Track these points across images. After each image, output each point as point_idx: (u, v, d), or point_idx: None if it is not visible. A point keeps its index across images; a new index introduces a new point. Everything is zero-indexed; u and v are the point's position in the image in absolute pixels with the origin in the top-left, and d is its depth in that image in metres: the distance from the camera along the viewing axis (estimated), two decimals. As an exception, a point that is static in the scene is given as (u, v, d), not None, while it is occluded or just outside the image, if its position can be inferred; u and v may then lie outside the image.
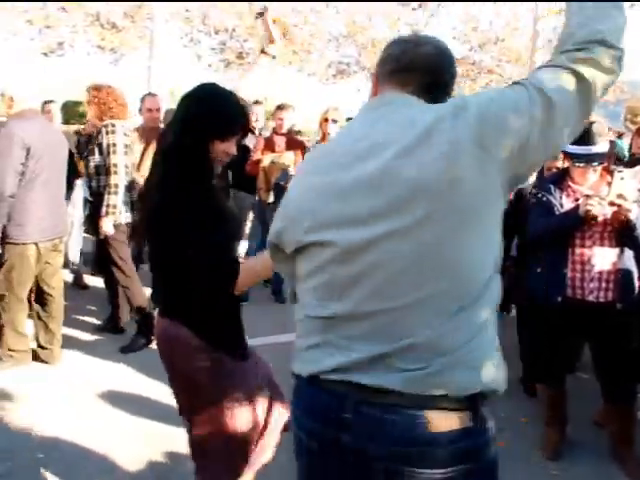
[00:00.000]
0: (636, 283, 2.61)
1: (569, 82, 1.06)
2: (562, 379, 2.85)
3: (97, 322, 4.42)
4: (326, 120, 4.66)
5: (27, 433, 2.85)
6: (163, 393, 3.30)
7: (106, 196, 3.71)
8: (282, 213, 1.26)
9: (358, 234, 1.09)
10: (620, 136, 7.81)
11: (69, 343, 3.98)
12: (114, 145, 3.72)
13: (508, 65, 18.90)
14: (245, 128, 1.76)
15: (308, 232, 1.17)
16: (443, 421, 1.06)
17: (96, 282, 5.38)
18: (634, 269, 2.61)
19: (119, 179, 3.73)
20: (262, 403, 1.83)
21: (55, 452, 2.69)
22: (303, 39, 15.97)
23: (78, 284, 5.26)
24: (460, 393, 1.07)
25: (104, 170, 3.75)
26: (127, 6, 13.86)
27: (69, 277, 5.26)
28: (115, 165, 3.72)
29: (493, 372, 1.10)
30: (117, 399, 3.23)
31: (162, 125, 4.79)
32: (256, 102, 5.11)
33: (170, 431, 2.89)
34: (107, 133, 3.73)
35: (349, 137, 1.20)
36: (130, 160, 3.91)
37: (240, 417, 1.75)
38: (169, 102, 11.40)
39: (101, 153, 3.75)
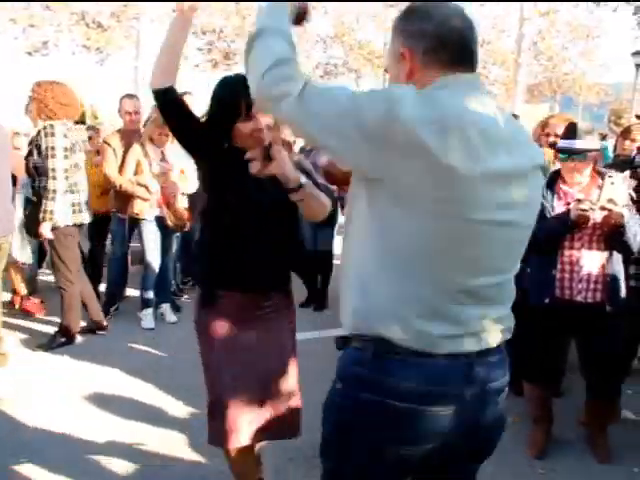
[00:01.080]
0: (623, 285, 2.64)
1: None
2: (553, 379, 2.89)
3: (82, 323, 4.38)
4: None
5: (16, 436, 2.82)
6: (154, 394, 3.29)
7: (43, 201, 3.66)
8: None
9: (503, 216, 1.17)
10: (604, 138, 7.93)
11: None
12: (52, 149, 3.64)
13: (494, 67, 19.08)
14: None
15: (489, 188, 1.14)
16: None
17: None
18: (622, 271, 2.64)
19: (57, 184, 3.66)
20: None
21: (44, 454, 2.66)
22: (290, 40, 15.93)
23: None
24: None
25: (44, 171, 3.69)
26: (113, 5, 13.76)
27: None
28: (53, 170, 3.64)
29: None
30: (106, 400, 3.21)
31: (142, 127, 4.71)
32: None
33: (161, 432, 2.88)
34: (46, 135, 3.64)
35: (483, 115, 1.16)
36: (73, 162, 3.81)
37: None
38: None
39: (40, 154, 3.68)
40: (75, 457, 2.66)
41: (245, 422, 1.96)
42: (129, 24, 14.17)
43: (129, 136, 4.50)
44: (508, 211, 1.17)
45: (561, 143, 2.65)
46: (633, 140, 3.96)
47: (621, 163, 3.15)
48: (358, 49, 18.83)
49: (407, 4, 1.27)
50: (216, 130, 1.89)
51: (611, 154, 4.84)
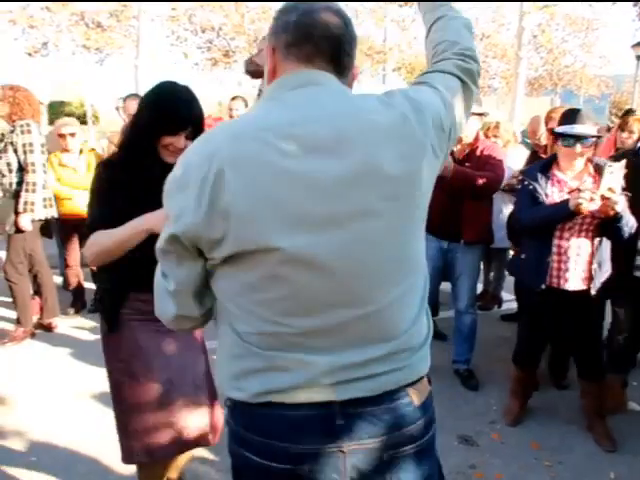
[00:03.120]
0: (608, 271, 2.76)
1: (457, 88, 1.20)
2: (534, 362, 3.02)
3: (90, 323, 4.40)
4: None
5: (17, 437, 2.83)
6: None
7: (24, 194, 3.80)
8: (226, 199, 0.98)
9: (335, 238, 1.00)
10: (609, 130, 7.90)
11: (57, 342, 3.97)
12: (30, 145, 3.79)
13: (494, 61, 19.03)
14: (193, 122, 1.73)
15: (278, 232, 0.98)
16: (419, 395, 1.13)
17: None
18: (608, 259, 2.76)
19: (37, 177, 3.82)
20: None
21: (45, 455, 2.68)
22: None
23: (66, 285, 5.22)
24: (422, 374, 1.15)
25: (19, 167, 3.83)
26: (112, 5, 13.76)
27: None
28: (33, 164, 3.79)
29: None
30: (106, 400, 3.21)
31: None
32: (234, 98, 5.16)
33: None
34: (22, 132, 3.79)
35: (296, 116, 1.02)
36: (44, 158, 3.97)
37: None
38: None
39: (15, 151, 3.81)
40: (80, 454, 2.68)
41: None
42: (128, 24, 14.17)
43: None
44: (330, 228, 1.00)
45: (560, 127, 2.65)
46: (631, 132, 3.96)
47: (622, 156, 3.15)
48: (357, 45, 18.77)
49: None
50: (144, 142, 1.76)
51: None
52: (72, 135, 4.42)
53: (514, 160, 4.21)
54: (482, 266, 4.31)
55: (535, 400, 3.14)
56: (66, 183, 4.43)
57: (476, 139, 3.28)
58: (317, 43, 1.07)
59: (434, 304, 3.92)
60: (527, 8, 10.71)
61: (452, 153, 3.23)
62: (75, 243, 4.66)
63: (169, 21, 15.14)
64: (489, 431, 2.94)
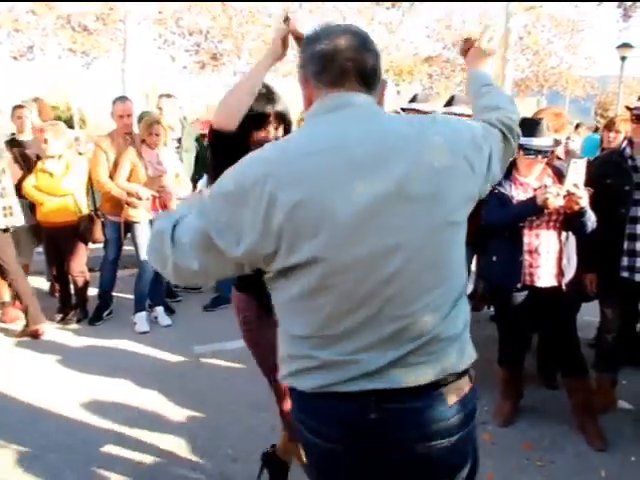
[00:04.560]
0: (574, 266, 2.85)
1: (498, 135, 1.37)
2: (519, 362, 3.07)
3: (74, 325, 4.36)
4: (302, 120, 4.67)
5: (12, 436, 2.80)
6: (149, 398, 3.28)
7: None
8: (288, 212, 1.09)
9: (377, 249, 1.11)
10: (596, 130, 7.96)
11: (44, 350, 3.93)
12: None
13: (481, 63, 19.09)
14: (276, 116, 1.93)
15: (326, 245, 1.10)
16: (457, 391, 1.22)
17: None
18: (574, 254, 2.85)
19: None
20: None
21: (37, 462, 2.65)
22: (278, 39, 15.89)
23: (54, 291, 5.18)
24: (463, 367, 1.24)
25: None
26: (98, 9, 13.66)
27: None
28: None
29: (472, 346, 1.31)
30: (100, 404, 3.19)
31: (135, 130, 4.70)
32: None
33: (157, 435, 2.87)
34: None
35: (337, 138, 1.14)
36: (2, 165, 3.93)
37: None
38: (144, 105, 11.28)
39: None
40: (69, 460, 2.65)
41: None
42: (115, 27, 14.07)
43: (122, 139, 4.49)
44: (380, 240, 1.12)
45: (523, 141, 2.73)
46: (617, 132, 4.00)
47: (609, 155, 3.17)
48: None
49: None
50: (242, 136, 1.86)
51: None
52: (45, 142, 4.27)
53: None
54: (472, 267, 4.32)
55: (526, 400, 3.15)
56: (40, 188, 4.32)
57: None
58: (342, 67, 1.18)
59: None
60: (513, 9, 10.78)
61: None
62: (55, 252, 4.56)
63: (156, 24, 15.05)
64: (480, 432, 2.94)
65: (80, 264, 4.54)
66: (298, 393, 1.23)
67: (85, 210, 4.49)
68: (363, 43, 1.20)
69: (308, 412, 1.23)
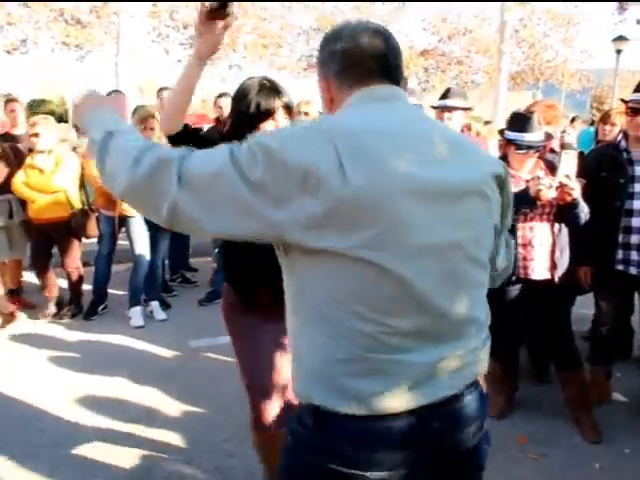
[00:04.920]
0: (567, 259, 2.85)
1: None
2: (513, 356, 3.08)
3: (69, 320, 4.35)
4: (298, 113, 4.64)
5: (7, 433, 2.79)
6: (145, 392, 3.27)
7: None
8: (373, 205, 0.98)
9: (445, 239, 1.06)
10: (592, 123, 7.97)
11: (42, 344, 3.92)
12: None
13: (477, 56, 19.09)
14: (284, 107, 1.92)
15: (420, 248, 1.02)
16: (484, 384, 1.25)
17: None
18: (567, 246, 2.86)
19: None
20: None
21: (31, 458, 2.63)
22: (273, 33, 15.86)
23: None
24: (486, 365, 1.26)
25: None
26: (92, 1, 13.56)
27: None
28: None
29: None
30: (96, 400, 3.19)
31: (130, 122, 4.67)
32: (221, 95, 5.05)
33: (153, 430, 2.86)
34: None
35: (401, 125, 1.08)
36: None
37: None
38: (138, 99, 11.22)
39: None
40: (65, 456, 2.64)
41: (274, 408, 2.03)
42: (109, 20, 13.96)
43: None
44: (434, 234, 1.04)
45: (510, 134, 2.77)
46: (613, 124, 3.99)
47: (604, 148, 3.17)
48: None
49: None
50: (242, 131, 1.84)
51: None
52: (35, 135, 4.22)
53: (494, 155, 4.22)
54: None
55: (520, 393, 3.16)
56: (30, 185, 4.26)
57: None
58: (366, 66, 1.14)
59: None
60: (508, 4, 10.76)
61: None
62: (45, 248, 4.50)
63: (150, 17, 14.95)
64: (476, 425, 2.95)
65: (74, 259, 4.51)
66: (332, 418, 1.06)
67: (78, 205, 4.46)
68: (386, 40, 1.16)
69: (347, 439, 1.06)
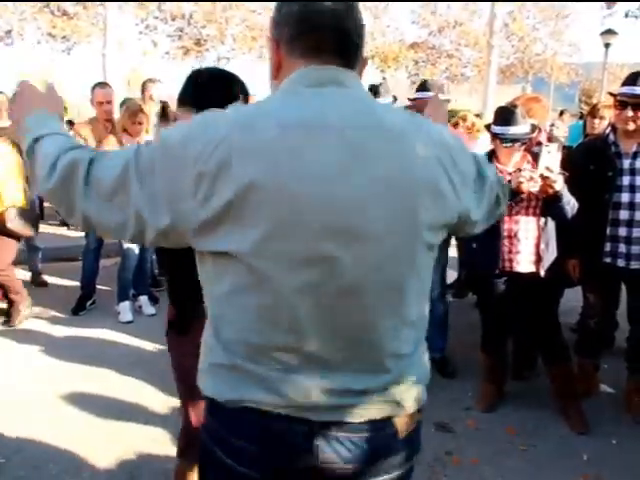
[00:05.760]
0: (554, 252, 2.86)
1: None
2: (501, 348, 3.10)
3: (57, 316, 4.31)
4: None
5: (-12, 437, 2.76)
6: (134, 388, 3.25)
7: None
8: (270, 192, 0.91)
9: (365, 249, 0.95)
10: (581, 117, 8.01)
11: (29, 340, 3.88)
12: None
13: (467, 49, 19.10)
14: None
15: (320, 238, 0.93)
16: (405, 426, 1.09)
17: (55, 280, 5.25)
18: (554, 241, 2.87)
19: None
20: None
21: (17, 455, 2.61)
22: (262, 25, 15.74)
23: (35, 281, 5.11)
24: (415, 409, 1.10)
25: None
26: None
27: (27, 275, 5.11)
28: None
29: None
30: (85, 395, 3.16)
31: (116, 116, 4.61)
32: None
33: (142, 426, 2.85)
34: None
35: (314, 117, 0.96)
36: None
37: None
38: (126, 91, 11.10)
39: None
40: (51, 453, 2.62)
41: None
42: (96, 11, 13.79)
43: (102, 126, 4.40)
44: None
45: (496, 128, 2.79)
46: (602, 118, 4.01)
47: (592, 141, 3.19)
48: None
49: None
50: None
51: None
52: None
53: (485, 149, 4.21)
54: (456, 254, 4.34)
55: (509, 385, 3.18)
56: None
57: None
58: (322, 35, 1.01)
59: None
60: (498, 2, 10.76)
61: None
62: None
63: (137, 9, 14.78)
64: (465, 417, 2.97)
65: (3, 262, 4.12)
66: (217, 405, 1.04)
67: (12, 202, 4.01)
68: (347, 9, 1.02)
69: (229, 428, 1.04)
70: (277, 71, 1.07)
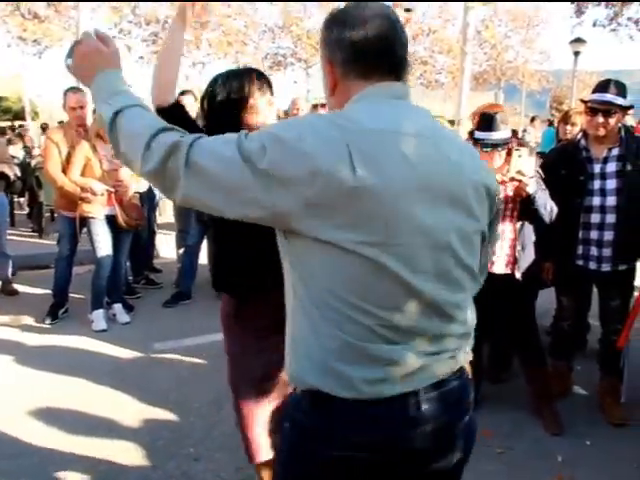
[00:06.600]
0: (531, 255, 2.91)
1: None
2: (476, 349, 3.04)
3: (29, 325, 4.21)
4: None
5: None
6: (108, 398, 3.19)
7: None
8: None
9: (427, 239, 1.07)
10: (551, 124, 8.18)
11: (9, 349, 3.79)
12: None
13: (440, 56, 19.37)
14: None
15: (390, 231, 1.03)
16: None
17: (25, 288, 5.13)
18: (531, 244, 2.91)
19: None
20: None
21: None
22: (238, 30, 15.72)
23: (5, 290, 5.00)
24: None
25: None
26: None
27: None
28: None
29: None
30: (57, 406, 3.09)
31: (90, 121, 4.53)
32: (183, 92, 4.83)
33: (115, 437, 2.80)
34: None
35: (412, 124, 1.08)
36: None
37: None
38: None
39: None
40: (25, 467, 2.55)
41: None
42: (68, 15, 13.59)
43: (74, 132, 4.32)
44: (433, 235, 1.07)
45: (478, 134, 2.85)
46: (573, 124, 4.10)
47: (564, 147, 3.25)
48: (307, 39, 18.75)
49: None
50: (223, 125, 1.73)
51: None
52: None
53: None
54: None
55: (484, 388, 3.20)
56: None
57: None
58: (374, 59, 1.11)
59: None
60: (471, 3, 10.91)
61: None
62: None
63: (111, 13, 14.61)
64: (443, 421, 2.98)
65: None
66: (326, 401, 1.09)
67: None
68: (394, 30, 1.12)
69: (341, 421, 1.09)
70: (333, 90, 1.17)
